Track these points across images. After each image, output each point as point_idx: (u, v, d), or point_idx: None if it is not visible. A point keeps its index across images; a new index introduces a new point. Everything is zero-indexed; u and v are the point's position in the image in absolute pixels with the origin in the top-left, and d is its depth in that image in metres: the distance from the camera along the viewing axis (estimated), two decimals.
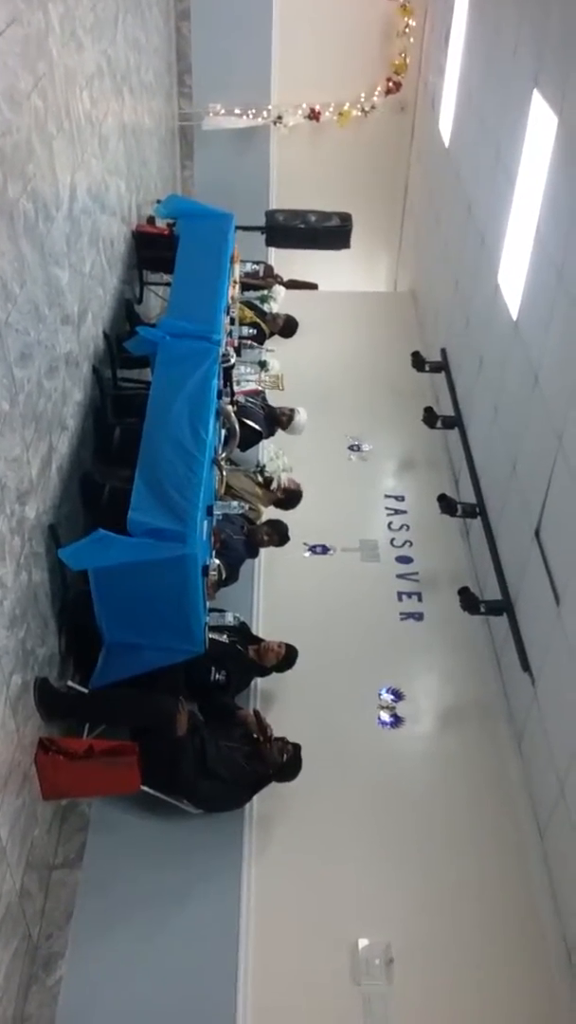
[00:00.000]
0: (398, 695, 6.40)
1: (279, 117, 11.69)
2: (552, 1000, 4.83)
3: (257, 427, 7.53)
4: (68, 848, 5.36)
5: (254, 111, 11.64)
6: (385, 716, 6.28)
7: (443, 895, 5.28)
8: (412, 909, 5.21)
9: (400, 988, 4.85)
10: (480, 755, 6.07)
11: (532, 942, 5.07)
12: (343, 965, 4.93)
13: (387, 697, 6.39)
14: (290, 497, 7.13)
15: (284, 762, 5.37)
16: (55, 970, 4.83)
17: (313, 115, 11.74)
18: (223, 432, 6.57)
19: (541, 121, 6.13)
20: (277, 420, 7.80)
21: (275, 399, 8.22)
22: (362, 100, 11.75)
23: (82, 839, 5.40)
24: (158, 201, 8.86)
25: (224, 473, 6.28)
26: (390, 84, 11.73)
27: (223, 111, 11.61)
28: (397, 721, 6.26)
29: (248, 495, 6.93)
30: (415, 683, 6.54)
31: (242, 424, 7.03)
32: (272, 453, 7.71)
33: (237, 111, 11.63)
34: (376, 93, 11.76)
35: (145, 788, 5.17)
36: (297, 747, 5.44)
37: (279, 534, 6.67)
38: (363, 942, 5.00)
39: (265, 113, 11.67)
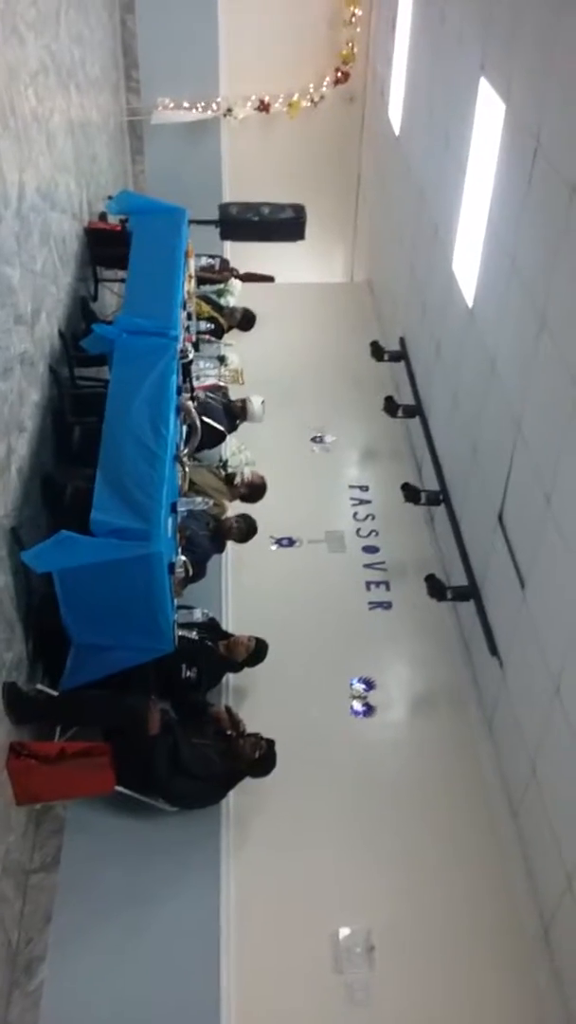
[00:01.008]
0: (370, 684, 6.44)
1: (229, 109, 11.64)
2: (530, 977, 4.90)
3: (219, 426, 7.49)
4: (44, 852, 5.33)
5: (203, 104, 11.58)
6: (357, 705, 6.31)
7: (420, 880, 5.32)
8: (391, 896, 5.25)
9: (382, 974, 4.89)
10: (452, 740, 6.12)
11: (509, 921, 5.14)
12: (325, 955, 4.96)
13: (359, 687, 6.42)
14: (254, 491, 7.11)
15: (257, 758, 5.37)
16: (36, 974, 4.80)
17: (263, 107, 11.70)
18: (184, 428, 6.54)
19: (489, 108, 6.16)
20: (234, 413, 7.77)
21: (236, 394, 8.19)
22: (311, 91, 11.75)
23: (58, 842, 5.37)
24: (110, 197, 8.78)
25: (187, 469, 6.25)
26: (338, 74, 11.73)
27: (172, 105, 11.52)
28: (369, 710, 6.29)
29: (212, 491, 6.91)
30: (386, 671, 6.57)
31: (204, 423, 7.01)
32: (235, 448, 7.70)
33: (186, 104, 11.56)
34: (325, 83, 11.76)
35: (120, 788, 5.15)
36: (271, 742, 5.45)
37: (247, 524, 6.65)
38: (344, 931, 5.04)
39: (215, 106, 11.61)
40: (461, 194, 6.87)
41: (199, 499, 6.34)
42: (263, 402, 7.77)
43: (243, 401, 7.76)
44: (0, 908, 4.65)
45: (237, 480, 7.15)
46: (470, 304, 6.58)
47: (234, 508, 7.08)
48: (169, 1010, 4.69)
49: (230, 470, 7.28)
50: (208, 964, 4.87)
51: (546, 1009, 4.76)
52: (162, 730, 5.23)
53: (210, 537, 6.50)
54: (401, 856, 5.43)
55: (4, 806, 4.79)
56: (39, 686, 5.41)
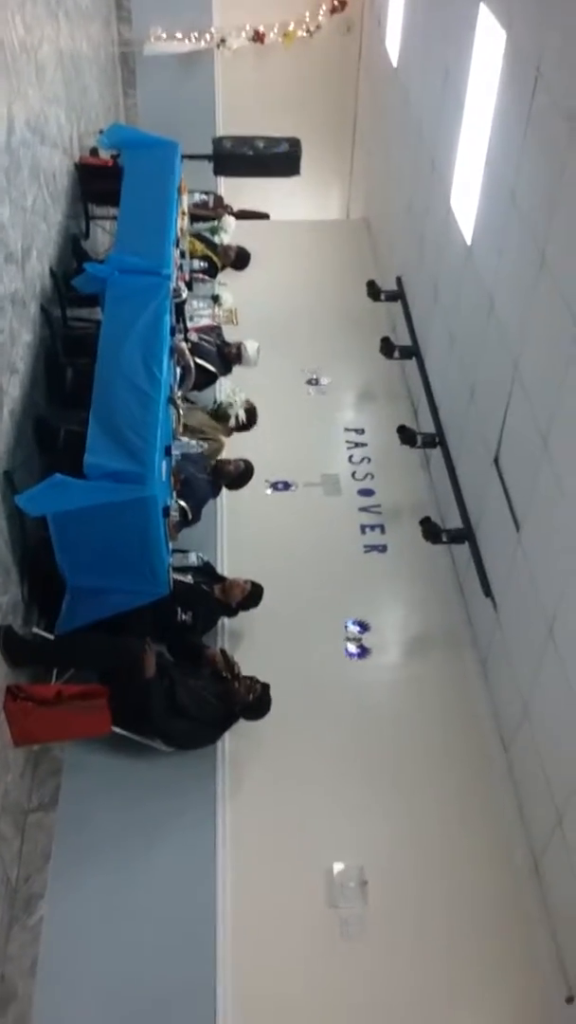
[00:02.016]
0: (364, 626, 6.46)
1: (222, 40, 11.33)
2: (519, 909, 5.01)
3: (211, 368, 7.42)
4: (43, 792, 5.39)
5: (196, 34, 11.26)
6: (352, 648, 6.35)
7: (413, 817, 5.40)
8: (384, 832, 5.34)
9: (374, 908, 4.99)
10: (447, 681, 6.17)
11: (499, 855, 5.23)
12: (319, 890, 5.05)
13: (353, 629, 6.45)
14: (249, 417, 7.14)
15: (252, 700, 5.42)
16: (35, 911, 4.90)
17: (257, 37, 11.38)
18: (178, 370, 6.47)
19: (489, 37, 5.97)
20: (228, 357, 7.68)
21: (230, 334, 8.09)
22: (307, 20, 11.41)
23: (56, 782, 5.43)
24: (101, 131, 8.56)
25: (181, 412, 6.19)
26: (335, 3, 11.39)
27: (164, 35, 11.21)
28: (364, 652, 6.33)
29: (208, 428, 6.86)
30: (380, 614, 6.60)
31: (197, 365, 6.93)
32: (229, 390, 7.62)
33: (179, 35, 11.25)
34: (321, 12, 11.42)
35: (116, 729, 5.20)
36: (266, 686, 5.49)
37: (245, 466, 6.61)
38: (337, 866, 5.12)
39: (208, 36, 11.29)
40: (460, 127, 6.70)
41: (193, 442, 6.29)
42: (258, 348, 7.69)
43: (238, 346, 7.67)
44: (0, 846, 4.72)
45: (231, 423, 7.11)
46: (468, 241, 6.46)
47: (229, 445, 7.03)
48: (165, 945, 4.79)
49: (223, 410, 7.21)
50: (204, 900, 4.97)
51: (536, 942, 4.87)
52: (158, 672, 5.26)
53: (207, 480, 6.47)
54: (394, 794, 5.51)
55: (2, 747, 4.84)
56: (35, 629, 5.43)
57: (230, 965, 4.74)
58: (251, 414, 7.14)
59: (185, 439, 6.21)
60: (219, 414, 7.11)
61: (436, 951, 4.86)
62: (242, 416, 7.11)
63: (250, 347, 7.64)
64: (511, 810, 5.40)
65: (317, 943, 4.86)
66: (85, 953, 4.76)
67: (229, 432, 7.11)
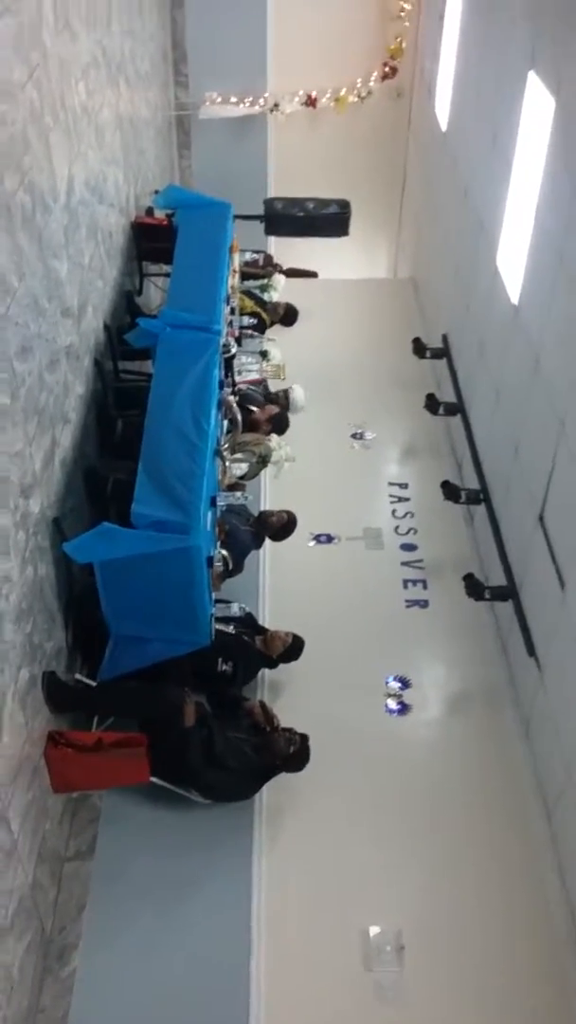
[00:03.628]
0: (405, 683, 6.41)
1: (276, 104, 11.63)
2: (562, 981, 4.86)
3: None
4: (80, 840, 5.38)
5: (251, 99, 11.58)
6: (392, 704, 6.29)
7: (452, 880, 5.30)
8: (422, 895, 5.24)
9: (411, 973, 4.88)
10: (487, 741, 6.08)
11: (541, 924, 5.10)
12: (355, 952, 4.96)
13: (394, 685, 6.40)
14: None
15: (292, 753, 5.38)
16: (69, 962, 4.86)
17: (310, 102, 11.67)
18: (225, 423, 6.56)
19: (538, 104, 6.09)
20: (275, 403, 7.78)
21: (277, 389, 8.21)
22: (358, 86, 11.68)
23: (93, 831, 5.42)
24: (156, 192, 8.82)
25: (228, 464, 6.27)
26: (386, 69, 11.66)
27: (220, 99, 11.55)
28: (404, 708, 6.27)
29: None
30: (421, 670, 6.54)
31: (244, 410, 7.04)
32: (275, 443, 7.69)
33: (234, 99, 11.57)
34: (372, 79, 11.69)
35: (154, 780, 5.19)
36: (304, 737, 5.46)
37: (288, 517, 6.63)
38: (374, 929, 5.03)
39: (262, 101, 11.61)
40: (507, 190, 6.81)
41: (238, 493, 6.37)
42: (304, 394, 7.79)
43: (286, 391, 7.78)
44: (35, 895, 4.70)
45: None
46: (515, 301, 6.52)
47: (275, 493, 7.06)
48: (199, 1002, 4.72)
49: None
50: (238, 957, 4.89)
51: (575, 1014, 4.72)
52: (197, 722, 5.26)
53: (250, 532, 6.52)
54: (433, 856, 5.41)
55: (41, 794, 4.85)
56: (78, 676, 5.46)
57: None
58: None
59: (229, 493, 6.27)
60: (263, 461, 7.19)
61: (474, 1019, 4.73)
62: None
63: (298, 391, 7.76)
64: (553, 877, 5.27)
65: (353, 1007, 4.76)
66: (117, 1007, 4.70)
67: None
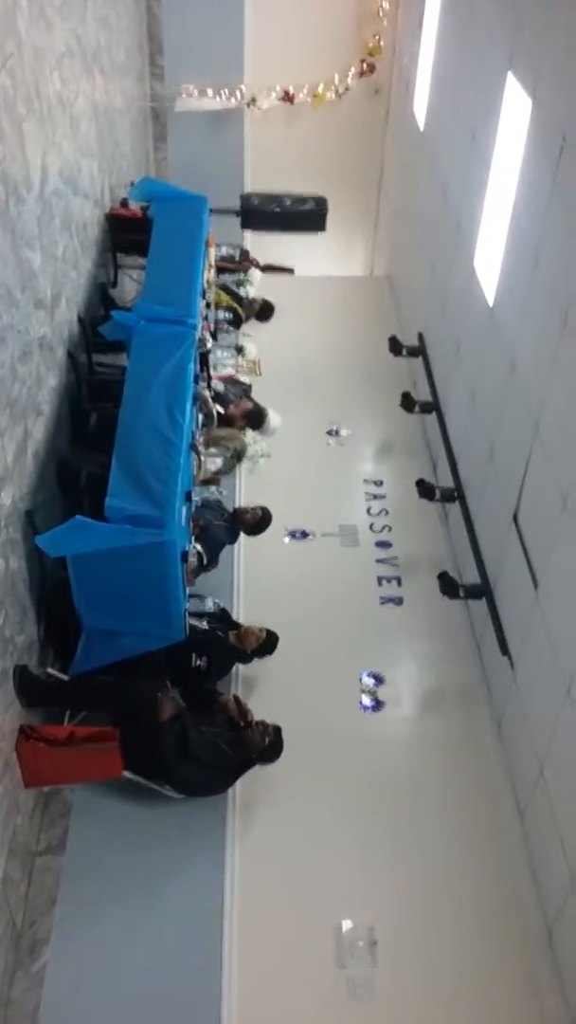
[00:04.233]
0: (379, 679, 6.42)
1: (253, 99, 11.61)
2: (533, 978, 4.89)
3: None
4: (51, 835, 5.35)
5: (227, 92, 11.55)
6: (366, 700, 6.30)
7: (425, 876, 5.31)
8: (395, 891, 5.25)
9: (384, 969, 4.89)
10: (460, 738, 6.11)
11: (512, 921, 5.12)
12: (327, 947, 4.96)
13: (368, 681, 6.41)
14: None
15: (266, 745, 5.38)
16: (40, 956, 4.83)
17: (287, 97, 11.66)
18: (200, 417, 6.54)
19: (516, 104, 6.12)
20: (256, 413, 7.75)
21: (255, 387, 8.20)
22: (336, 82, 11.69)
23: (65, 825, 5.39)
24: (131, 183, 8.77)
25: (203, 459, 6.25)
26: (364, 66, 11.67)
27: (196, 92, 11.49)
28: (378, 705, 6.28)
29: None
30: (396, 667, 6.56)
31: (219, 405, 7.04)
32: (250, 439, 7.68)
33: (210, 92, 11.53)
34: (350, 75, 11.70)
35: (127, 774, 5.16)
36: (278, 729, 5.46)
37: (263, 513, 6.65)
38: (347, 924, 5.03)
39: (238, 94, 11.58)
40: (485, 191, 6.83)
41: (213, 488, 6.35)
42: (279, 424, 7.76)
43: (265, 410, 7.72)
44: (5, 889, 4.67)
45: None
46: (491, 302, 6.54)
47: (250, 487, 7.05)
48: (170, 996, 4.70)
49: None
50: (210, 952, 4.89)
51: (547, 1009, 4.75)
52: (171, 717, 5.24)
53: (225, 527, 6.51)
54: (405, 852, 5.42)
55: (12, 788, 4.81)
56: (50, 670, 5.42)
57: (235, 1020, 4.65)
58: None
59: (204, 488, 6.26)
60: (238, 456, 7.18)
61: (445, 1016, 4.74)
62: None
63: (275, 418, 7.70)
64: (525, 873, 5.30)
65: (324, 1002, 4.76)
66: (88, 1001, 4.68)
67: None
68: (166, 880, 5.16)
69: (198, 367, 6.45)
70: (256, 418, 7.59)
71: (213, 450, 6.34)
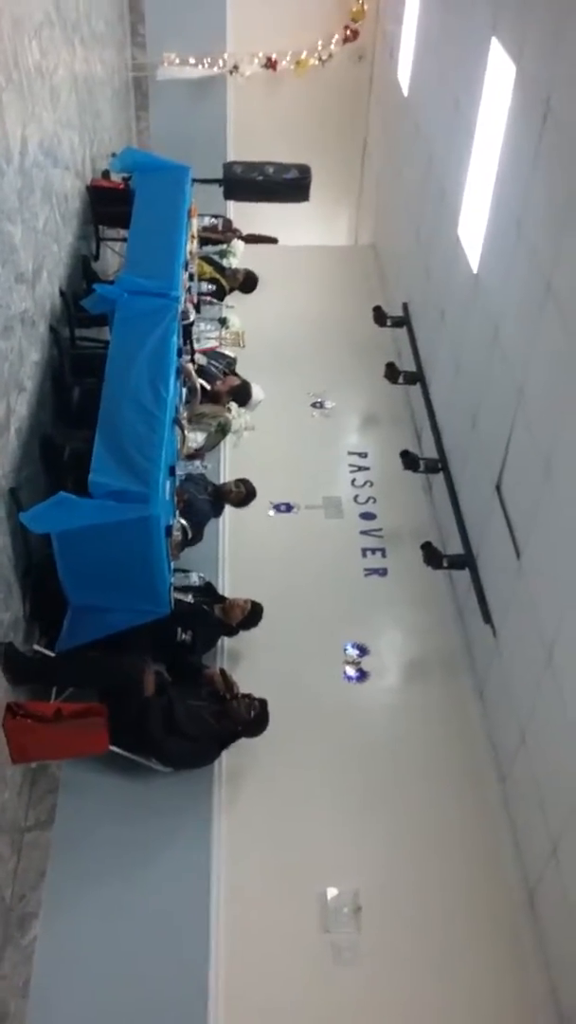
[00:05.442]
0: (363, 650, 6.47)
1: (235, 67, 11.46)
2: (514, 942, 4.98)
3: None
4: (39, 810, 5.38)
5: (209, 60, 11.39)
6: (350, 671, 6.35)
7: (408, 843, 5.39)
8: (378, 858, 5.32)
9: (368, 935, 4.97)
10: (444, 706, 6.17)
11: (494, 886, 5.21)
12: (313, 914, 5.04)
13: (352, 652, 6.45)
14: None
15: (252, 718, 5.42)
16: (29, 930, 4.88)
17: (270, 64, 11.51)
18: (184, 391, 6.52)
19: (500, 70, 6.06)
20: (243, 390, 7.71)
21: (239, 359, 8.16)
22: (319, 49, 11.53)
23: (53, 801, 5.43)
24: (113, 154, 8.67)
25: (186, 433, 6.23)
26: (348, 32, 11.52)
27: (178, 61, 11.34)
28: (362, 676, 6.33)
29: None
30: (380, 638, 6.60)
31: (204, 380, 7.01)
32: (235, 412, 7.65)
33: (192, 60, 11.38)
34: (333, 42, 11.54)
35: (114, 748, 5.20)
36: (264, 702, 5.50)
37: (247, 489, 6.66)
38: (332, 891, 5.11)
39: (221, 62, 11.43)
40: (469, 158, 6.78)
41: (197, 462, 6.34)
42: (262, 399, 7.73)
43: (248, 382, 7.68)
44: None
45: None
46: (475, 269, 6.52)
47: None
48: (159, 966, 4.77)
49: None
50: (198, 921, 4.95)
51: (529, 973, 4.84)
52: (157, 691, 5.28)
53: (209, 501, 6.51)
54: (389, 819, 5.49)
55: (0, 765, 4.83)
56: (36, 647, 5.44)
57: (223, 988, 4.73)
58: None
59: (188, 462, 6.25)
60: (223, 431, 7.16)
61: (429, 980, 4.83)
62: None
63: (258, 392, 7.66)
64: (507, 839, 5.38)
65: (310, 968, 4.84)
66: (78, 973, 4.74)
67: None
68: (154, 852, 5.22)
69: (181, 340, 6.42)
70: (243, 394, 7.56)
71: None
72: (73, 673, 5.35)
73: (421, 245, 8.54)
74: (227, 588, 6.64)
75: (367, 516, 7.59)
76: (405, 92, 9.55)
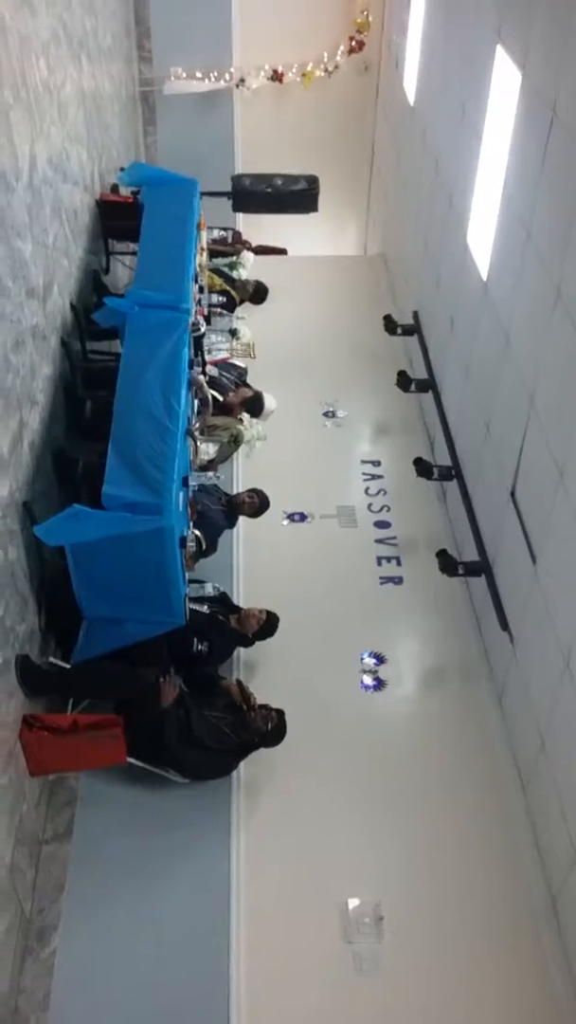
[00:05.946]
0: (380, 659, 6.45)
1: (242, 80, 11.53)
2: (538, 949, 4.93)
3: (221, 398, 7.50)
4: (57, 822, 5.38)
5: (216, 74, 11.47)
6: (368, 680, 6.33)
7: (430, 852, 5.35)
8: (400, 867, 5.29)
9: (390, 945, 4.93)
10: (462, 714, 6.14)
11: (516, 894, 5.17)
12: (334, 925, 5.00)
13: (369, 661, 6.43)
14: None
15: (269, 729, 5.40)
16: (49, 943, 4.87)
17: (276, 76, 11.58)
18: (196, 402, 6.53)
19: (505, 77, 6.07)
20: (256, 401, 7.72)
21: (250, 370, 8.17)
22: (325, 60, 11.60)
23: (71, 813, 5.42)
24: (121, 169, 8.73)
25: (199, 444, 6.24)
26: (353, 43, 11.58)
27: (184, 75, 11.42)
28: (380, 684, 6.31)
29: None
30: (396, 646, 6.58)
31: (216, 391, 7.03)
32: (246, 423, 7.68)
33: (199, 74, 11.46)
34: (339, 53, 11.61)
35: (131, 760, 5.20)
36: (281, 712, 5.48)
37: (260, 499, 6.66)
38: (353, 901, 5.08)
39: (227, 76, 11.50)
40: (476, 165, 6.79)
41: (210, 473, 6.35)
42: (275, 408, 7.74)
43: (260, 393, 7.70)
44: (13, 878, 4.70)
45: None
46: (484, 277, 6.52)
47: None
48: (179, 978, 4.75)
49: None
50: (218, 933, 4.93)
51: (552, 982, 4.79)
52: (174, 702, 5.27)
53: (223, 512, 6.51)
54: (410, 828, 5.46)
55: (18, 777, 4.84)
56: (51, 659, 5.45)
57: (244, 999, 4.70)
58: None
59: (201, 473, 6.26)
60: (236, 442, 7.18)
61: (451, 989, 4.79)
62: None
63: (271, 401, 7.67)
64: (528, 847, 5.34)
65: (331, 978, 4.81)
66: (98, 986, 4.73)
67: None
68: (173, 864, 5.20)
69: (192, 352, 6.44)
70: (255, 405, 7.58)
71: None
72: (89, 685, 5.35)
73: (430, 253, 8.55)
74: (242, 598, 6.64)
75: (382, 524, 7.58)
76: (411, 101, 9.59)
